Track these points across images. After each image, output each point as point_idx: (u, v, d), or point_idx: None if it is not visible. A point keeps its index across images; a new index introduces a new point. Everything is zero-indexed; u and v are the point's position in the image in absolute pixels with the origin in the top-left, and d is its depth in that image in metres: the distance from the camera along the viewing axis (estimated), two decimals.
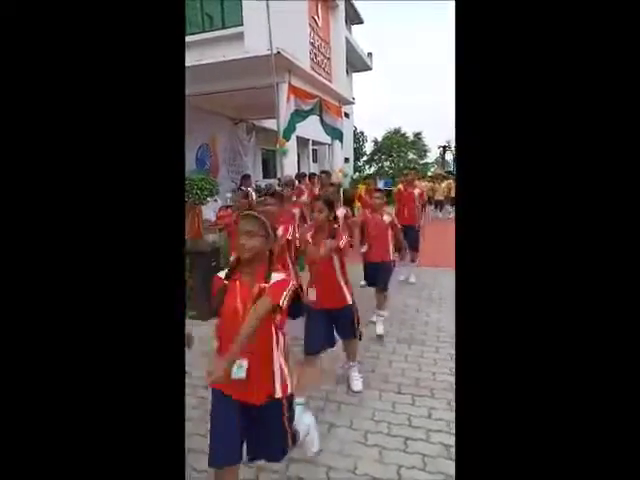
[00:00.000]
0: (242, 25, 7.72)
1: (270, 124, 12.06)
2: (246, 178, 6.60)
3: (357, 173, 20.14)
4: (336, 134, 9.82)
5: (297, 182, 6.93)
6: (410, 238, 4.72)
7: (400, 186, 5.56)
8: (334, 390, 2.62)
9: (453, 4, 0.96)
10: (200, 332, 3.69)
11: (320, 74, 8.96)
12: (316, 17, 9.34)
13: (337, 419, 2.31)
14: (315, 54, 9.17)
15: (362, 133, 26.19)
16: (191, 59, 7.84)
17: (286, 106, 6.82)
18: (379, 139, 26.46)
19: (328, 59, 10.02)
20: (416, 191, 5.23)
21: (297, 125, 7.14)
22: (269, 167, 13.71)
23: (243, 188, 6.32)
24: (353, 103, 12.72)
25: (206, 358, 3.06)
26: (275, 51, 6.33)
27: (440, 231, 8.58)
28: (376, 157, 26.01)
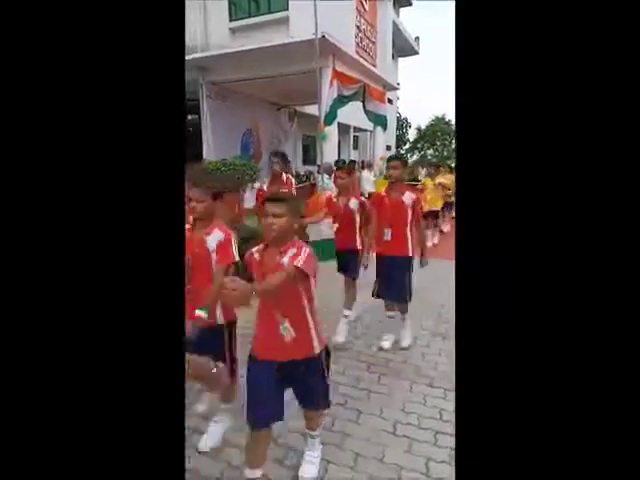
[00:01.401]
0: (288, 9, 7.69)
1: (312, 110, 12.05)
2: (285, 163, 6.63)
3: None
4: (379, 120, 9.63)
5: (336, 169, 6.91)
6: (397, 279, 2.95)
7: (381, 189, 3.28)
8: (363, 377, 2.63)
9: None
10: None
11: (365, 59, 8.81)
12: (363, 0, 9.11)
13: (366, 407, 2.32)
14: (361, 38, 9.00)
15: (406, 120, 25.55)
16: (237, 44, 7.94)
17: (329, 91, 6.76)
18: (423, 126, 25.71)
19: (374, 43, 9.79)
20: (406, 197, 2.89)
21: (339, 111, 7.07)
22: (309, 154, 13.73)
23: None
24: (398, 89, 12.45)
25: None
26: (320, 35, 6.26)
27: None
28: (419, 145, 25.33)
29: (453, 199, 8.27)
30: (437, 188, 6.64)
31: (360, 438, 2.06)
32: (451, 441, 2.03)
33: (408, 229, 2.92)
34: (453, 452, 1.95)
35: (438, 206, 6.73)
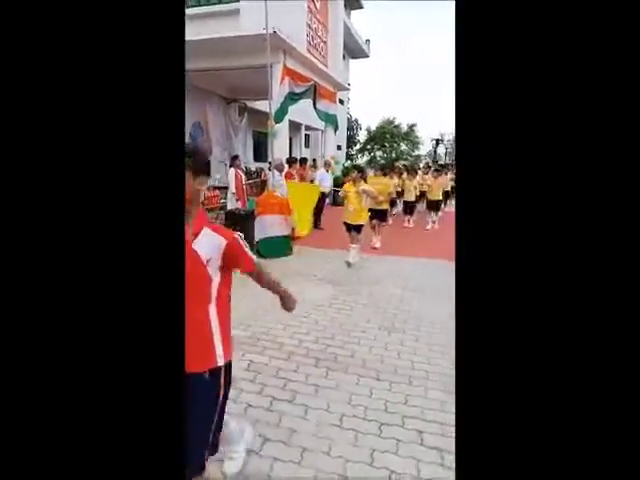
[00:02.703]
0: (238, 1, 7.53)
1: (263, 106, 11.87)
2: (235, 159, 6.50)
3: (349, 161, 20.05)
4: (330, 119, 9.68)
5: (287, 166, 6.88)
6: (195, 417, 1.23)
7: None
8: (312, 373, 2.64)
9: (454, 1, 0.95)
10: None
11: (316, 57, 8.82)
12: None
13: (313, 402, 2.32)
14: (312, 36, 9.01)
15: (357, 121, 26.02)
16: (187, 33, 7.65)
17: (279, 88, 6.70)
18: (373, 128, 26.33)
19: (325, 42, 9.85)
20: (203, 244, 1.26)
21: (289, 108, 7.03)
22: (260, 150, 13.54)
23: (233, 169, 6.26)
24: (348, 89, 12.62)
25: None
26: (271, 31, 6.19)
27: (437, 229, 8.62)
28: (369, 146, 25.91)
29: (385, 206, 6.54)
30: (360, 196, 5.16)
31: (307, 433, 2.06)
32: (395, 431, 2.09)
33: (213, 310, 1.35)
34: (397, 442, 2.01)
35: (362, 220, 5.42)
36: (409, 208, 8.97)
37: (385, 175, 6.73)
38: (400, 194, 9.22)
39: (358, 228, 5.40)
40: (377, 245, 6.49)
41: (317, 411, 2.24)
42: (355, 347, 3.04)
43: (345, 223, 5.49)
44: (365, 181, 5.35)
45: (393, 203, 8.98)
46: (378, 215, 6.41)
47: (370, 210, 5.91)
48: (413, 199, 8.93)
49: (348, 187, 5.33)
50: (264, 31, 6.27)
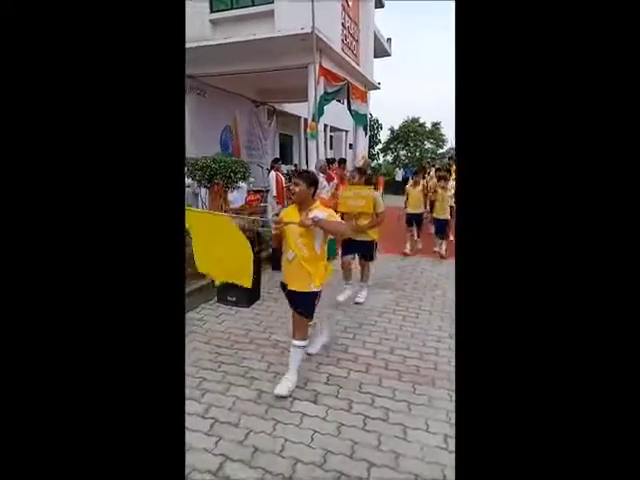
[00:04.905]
0: (272, 3, 7.42)
1: (288, 108, 11.76)
2: (276, 162, 6.40)
3: (374, 161, 19.86)
4: (361, 120, 9.53)
5: (327, 167, 6.73)
6: None
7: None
8: (397, 387, 2.47)
9: None
10: (238, 321, 3.46)
11: (349, 56, 8.65)
12: None
13: (410, 421, 2.16)
14: (345, 35, 8.84)
15: (377, 120, 25.72)
16: (219, 37, 7.59)
17: (317, 88, 6.57)
18: (395, 127, 26.02)
19: (357, 41, 9.68)
20: None
21: (324, 108, 6.89)
22: (286, 152, 13.47)
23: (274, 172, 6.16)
24: (379, 88, 12.35)
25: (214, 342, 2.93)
26: (310, 30, 6.06)
27: None
28: (392, 145, 25.59)
29: (372, 236, 3.79)
30: (313, 232, 2.35)
31: (413, 457, 1.90)
32: None
33: None
34: None
35: (318, 283, 2.43)
36: (443, 228, 5.69)
37: (369, 183, 4.07)
38: (429, 205, 6.12)
39: (308, 301, 2.42)
40: (361, 300, 3.85)
41: (416, 432, 2.08)
42: (435, 358, 2.86)
43: (285, 289, 2.53)
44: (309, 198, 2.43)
45: (419, 220, 5.94)
46: (362, 250, 3.78)
47: (350, 242, 3.67)
48: (448, 216, 5.72)
49: (288, 215, 2.44)
50: (301, 31, 6.15)
